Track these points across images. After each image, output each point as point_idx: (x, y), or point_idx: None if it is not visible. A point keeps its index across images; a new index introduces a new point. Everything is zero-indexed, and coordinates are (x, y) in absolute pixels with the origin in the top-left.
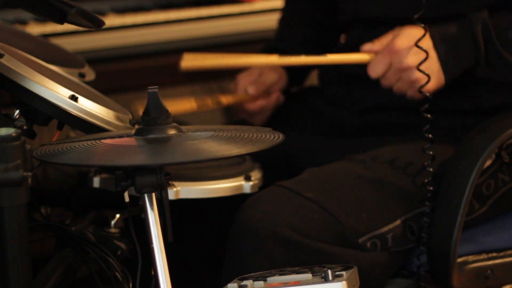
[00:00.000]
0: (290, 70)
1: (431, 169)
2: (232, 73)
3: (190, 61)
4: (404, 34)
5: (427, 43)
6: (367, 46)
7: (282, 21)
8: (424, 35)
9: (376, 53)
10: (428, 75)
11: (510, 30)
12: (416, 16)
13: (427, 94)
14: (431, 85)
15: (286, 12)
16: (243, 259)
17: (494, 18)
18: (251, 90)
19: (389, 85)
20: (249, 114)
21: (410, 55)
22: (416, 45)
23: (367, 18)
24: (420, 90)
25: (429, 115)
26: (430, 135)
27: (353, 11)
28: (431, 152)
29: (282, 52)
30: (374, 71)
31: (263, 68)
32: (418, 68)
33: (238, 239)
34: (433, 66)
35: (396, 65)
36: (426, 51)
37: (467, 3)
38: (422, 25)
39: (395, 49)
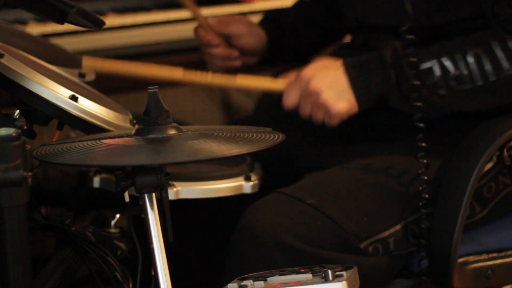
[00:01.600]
0: (275, 42)
1: (425, 177)
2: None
3: (90, 62)
4: (314, 62)
5: (336, 69)
6: (284, 78)
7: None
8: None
9: (288, 83)
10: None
11: (423, 62)
12: (404, 28)
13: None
14: (342, 107)
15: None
16: (245, 265)
17: (407, 49)
18: (211, 21)
19: (306, 113)
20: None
21: (316, 78)
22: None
23: (368, 24)
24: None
25: (421, 124)
26: (423, 144)
27: (354, 18)
28: (425, 161)
29: (273, 21)
30: (288, 101)
31: (240, 19)
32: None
33: (239, 246)
34: (343, 89)
35: (304, 90)
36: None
37: (457, 12)
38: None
39: (302, 75)
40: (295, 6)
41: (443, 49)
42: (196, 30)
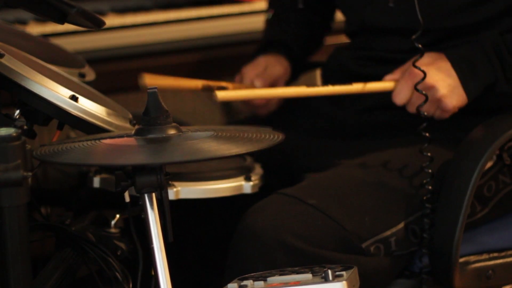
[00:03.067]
0: (294, 64)
1: (429, 170)
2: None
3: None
4: (420, 58)
5: (445, 64)
6: (388, 77)
7: (273, 18)
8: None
9: (397, 81)
10: (426, 96)
11: None
12: (413, 36)
13: (425, 113)
14: (456, 103)
15: (276, 10)
16: (246, 266)
17: (503, 35)
18: (258, 83)
19: (415, 109)
20: (254, 107)
21: (431, 74)
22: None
23: (372, 27)
24: (418, 108)
25: (427, 134)
26: (427, 134)
27: (358, 21)
28: (429, 154)
29: (280, 46)
30: (399, 99)
31: (268, 61)
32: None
33: (241, 246)
34: (455, 84)
35: (420, 86)
36: (424, 72)
37: (466, 16)
38: (420, 45)
39: (414, 71)
40: (285, 20)
41: None
42: (249, 101)
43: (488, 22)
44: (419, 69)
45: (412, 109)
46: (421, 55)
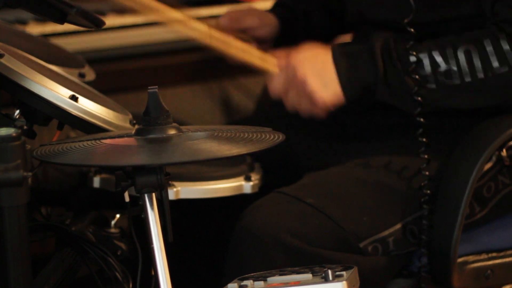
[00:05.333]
0: (287, 24)
1: (427, 173)
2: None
3: None
4: (303, 48)
5: (325, 57)
6: (277, 59)
7: None
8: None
9: (280, 68)
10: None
11: (412, 56)
12: (406, 20)
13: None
14: (327, 97)
15: None
16: (245, 265)
17: (398, 41)
18: (223, 22)
19: (291, 103)
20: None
21: (303, 66)
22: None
23: (371, 19)
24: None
25: (422, 119)
26: (424, 139)
27: (357, 13)
28: (426, 156)
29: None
30: (273, 87)
31: (247, 13)
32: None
33: (239, 245)
34: (330, 79)
35: (290, 77)
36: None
37: (460, 7)
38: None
39: (290, 62)
40: None
41: (435, 44)
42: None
43: (483, 14)
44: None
45: (288, 105)
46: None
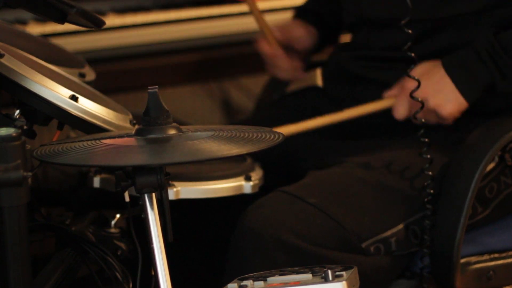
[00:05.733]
0: (322, 33)
1: (430, 173)
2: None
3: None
4: (414, 70)
5: (438, 71)
6: (387, 93)
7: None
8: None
9: (395, 97)
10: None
11: None
12: (403, 22)
13: (422, 120)
14: (452, 109)
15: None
16: (246, 264)
17: (498, 35)
18: (275, 31)
19: (420, 122)
20: (272, 64)
21: (422, 86)
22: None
23: (370, 19)
24: (415, 116)
25: (426, 139)
26: (426, 139)
27: (356, 13)
28: (428, 156)
29: (312, 14)
30: (399, 114)
31: (294, 23)
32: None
33: (240, 244)
34: (449, 91)
35: (411, 101)
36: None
37: (459, 5)
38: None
39: (406, 86)
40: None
41: None
42: (260, 43)
43: (481, 13)
44: (414, 78)
45: (417, 123)
46: (415, 64)
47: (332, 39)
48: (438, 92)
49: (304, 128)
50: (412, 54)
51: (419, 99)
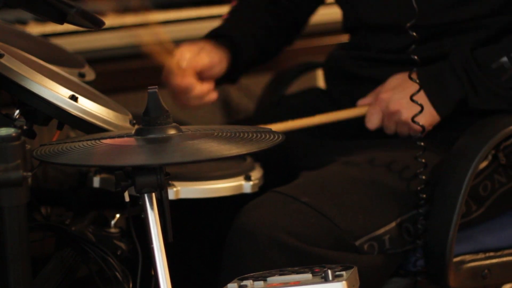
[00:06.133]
0: (235, 61)
1: (423, 177)
2: None
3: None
4: (388, 81)
5: (412, 84)
6: (361, 101)
7: (234, 9)
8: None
9: (369, 105)
10: (421, 106)
11: (493, 62)
12: (408, 24)
13: (422, 143)
14: (425, 122)
15: (239, 5)
16: (241, 264)
17: (476, 52)
18: (185, 63)
19: (391, 132)
20: (173, 89)
21: (394, 99)
22: (411, 98)
23: (369, 23)
24: (413, 120)
25: (422, 143)
26: (422, 143)
27: (355, 17)
28: (423, 160)
29: (227, 39)
30: (371, 123)
31: (207, 46)
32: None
33: (235, 244)
34: (423, 103)
35: (384, 112)
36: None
37: (462, 11)
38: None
39: (380, 97)
40: (233, 17)
41: (510, 44)
42: (170, 79)
43: (483, 18)
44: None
45: (388, 133)
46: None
47: (248, 68)
48: (412, 105)
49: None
50: (415, 57)
51: (390, 112)
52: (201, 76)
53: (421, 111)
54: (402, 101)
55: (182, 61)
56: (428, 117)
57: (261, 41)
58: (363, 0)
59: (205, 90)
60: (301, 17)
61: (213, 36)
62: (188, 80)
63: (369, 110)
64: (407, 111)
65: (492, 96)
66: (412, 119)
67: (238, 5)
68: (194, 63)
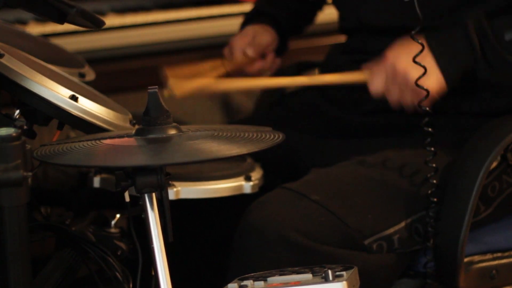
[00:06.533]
0: (281, 36)
1: (434, 181)
2: None
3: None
4: (394, 45)
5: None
6: (366, 66)
7: None
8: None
9: (372, 70)
10: (424, 67)
11: (507, 32)
12: (413, 32)
13: (427, 108)
14: (431, 86)
15: None
16: (249, 262)
17: (490, 20)
18: (250, 52)
19: (395, 99)
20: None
21: (401, 59)
22: (414, 60)
23: (370, 25)
24: (419, 104)
25: (430, 129)
26: (432, 148)
27: (355, 19)
28: (434, 165)
29: (268, 16)
30: (375, 86)
31: (256, 30)
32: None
33: (244, 241)
34: (429, 66)
35: (390, 73)
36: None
37: (465, 13)
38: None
39: (386, 58)
40: None
41: None
42: (242, 72)
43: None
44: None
45: (391, 100)
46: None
47: (291, 36)
48: (418, 67)
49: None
50: (419, 41)
51: (397, 73)
52: (263, 55)
53: (424, 73)
54: (408, 62)
55: (246, 50)
56: (434, 81)
57: (296, 13)
58: (364, 2)
59: (270, 63)
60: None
61: (253, 16)
62: (259, 65)
63: (374, 72)
64: (413, 72)
65: (502, 67)
66: (416, 83)
67: None
68: (257, 47)
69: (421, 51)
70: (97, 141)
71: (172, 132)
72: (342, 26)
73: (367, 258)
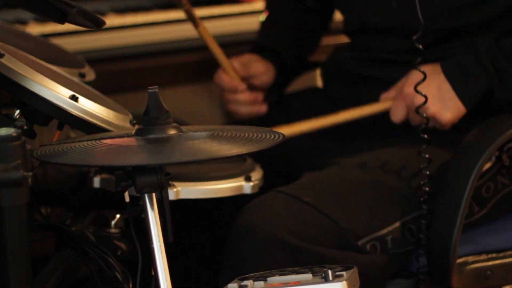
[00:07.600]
0: (284, 69)
1: (427, 172)
2: None
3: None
4: (411, 75)
5: (437, 77)
6: (384, 95)
7: (267, 20)
8: (424, 78)
9: (393, 99)
10: (425, 97)
11: None
12: (414, 37)
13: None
14: (451, 116)
15: (271, 11)
16: (242, 263)
17: (499, 41)
18: (236, 65)
19: (417, 124)
20: (222, 87)
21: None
22: (416, 88)
23: (373, 28)
24: (417, 111)
25: (426, 135)
26: (425, 135)
27: (358, 21)
28: (427, 155)
29: (269, 50)
30: (396, 118)
31: (252, 58)
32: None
33: (237, 244)
34: (449, 97)
35: (410, 106)
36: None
37: (466, 16)
38: (421, 46)
39: (405, 91)
40: (268, 28)
41: None
42: (218, 75)
43: (489, 22)
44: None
45: (414, 125)
46: (420, 62)
47: (291, 77)
48: (438, 100)
49: (299, 131)
50: (420, 46)
51: (418, 105)
52: (250, 86)
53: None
54: (427, 95)
55: (235, 62)
56: (456, 111)
57: (298, 47)
58: (366, 5)
59: (252, 98)
60: (326, 18)
61: (255, 50)
62: (237, 82)
63: (394, 105)
64: (432, 105)
65: None
66: (435, 115)
67: (269, 16)
68: (246, 68)
69: (423, 80)
70: (97, 141)
71: (172, 132)
72: (346, 29)
73: (361, 259)
